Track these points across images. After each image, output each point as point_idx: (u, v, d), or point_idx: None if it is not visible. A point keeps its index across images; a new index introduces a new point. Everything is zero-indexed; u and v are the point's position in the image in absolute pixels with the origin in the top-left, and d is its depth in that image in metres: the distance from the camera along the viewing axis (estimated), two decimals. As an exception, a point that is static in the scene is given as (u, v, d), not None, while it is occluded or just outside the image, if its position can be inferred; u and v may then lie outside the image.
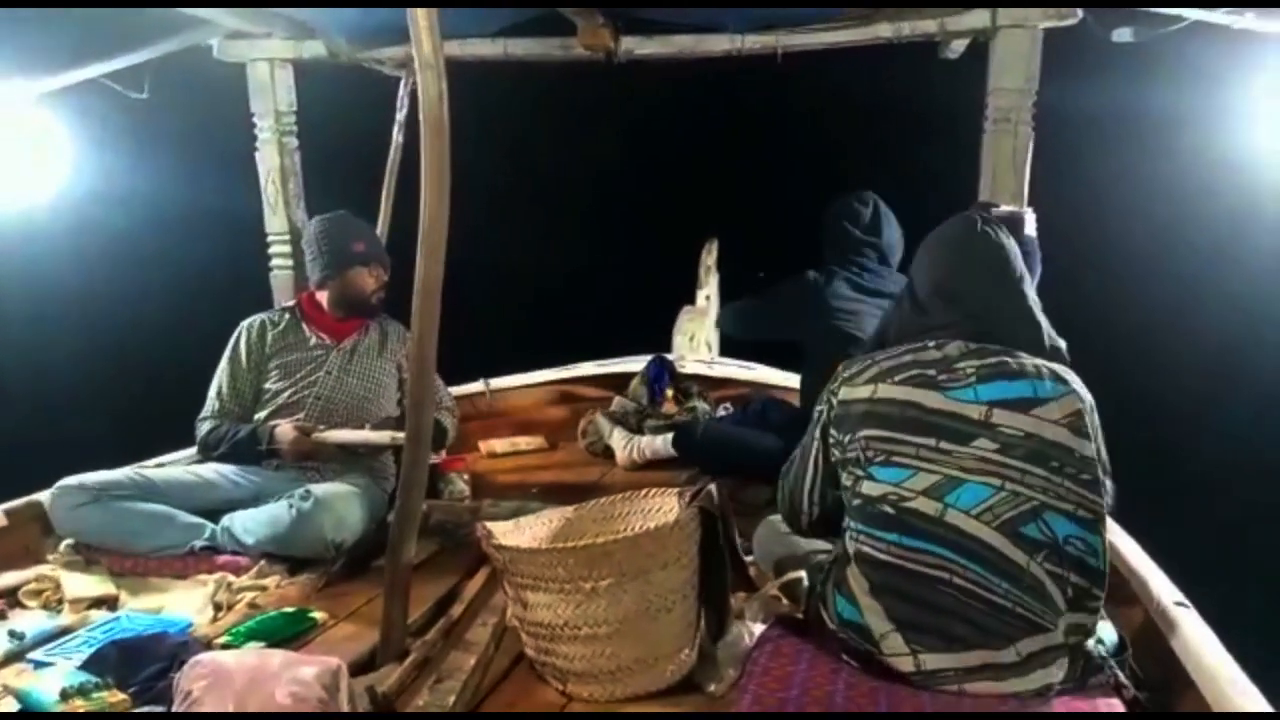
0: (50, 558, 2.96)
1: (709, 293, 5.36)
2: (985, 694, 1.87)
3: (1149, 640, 2.15)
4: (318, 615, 2.60)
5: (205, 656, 1.99)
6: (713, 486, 2.26)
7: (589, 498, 2.54)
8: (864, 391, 2.07)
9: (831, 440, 2.14)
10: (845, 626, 2.01)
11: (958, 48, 3.74)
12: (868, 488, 2.03)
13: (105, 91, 3.62)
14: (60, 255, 5.72)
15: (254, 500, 3.13)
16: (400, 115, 4.38)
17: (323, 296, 3.53)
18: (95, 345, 6.83)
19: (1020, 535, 1.89)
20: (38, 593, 2.74)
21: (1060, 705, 1.84)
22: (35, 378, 6.58)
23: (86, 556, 2.94)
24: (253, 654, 2.09)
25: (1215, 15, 3.01)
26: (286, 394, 3.36)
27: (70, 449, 3.82)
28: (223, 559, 2.96)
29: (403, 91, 4.33)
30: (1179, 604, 2.23)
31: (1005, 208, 3.28)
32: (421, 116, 1.99)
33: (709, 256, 5.40)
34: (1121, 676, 1.94)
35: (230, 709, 1.83)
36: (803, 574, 2.27)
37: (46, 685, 2.08)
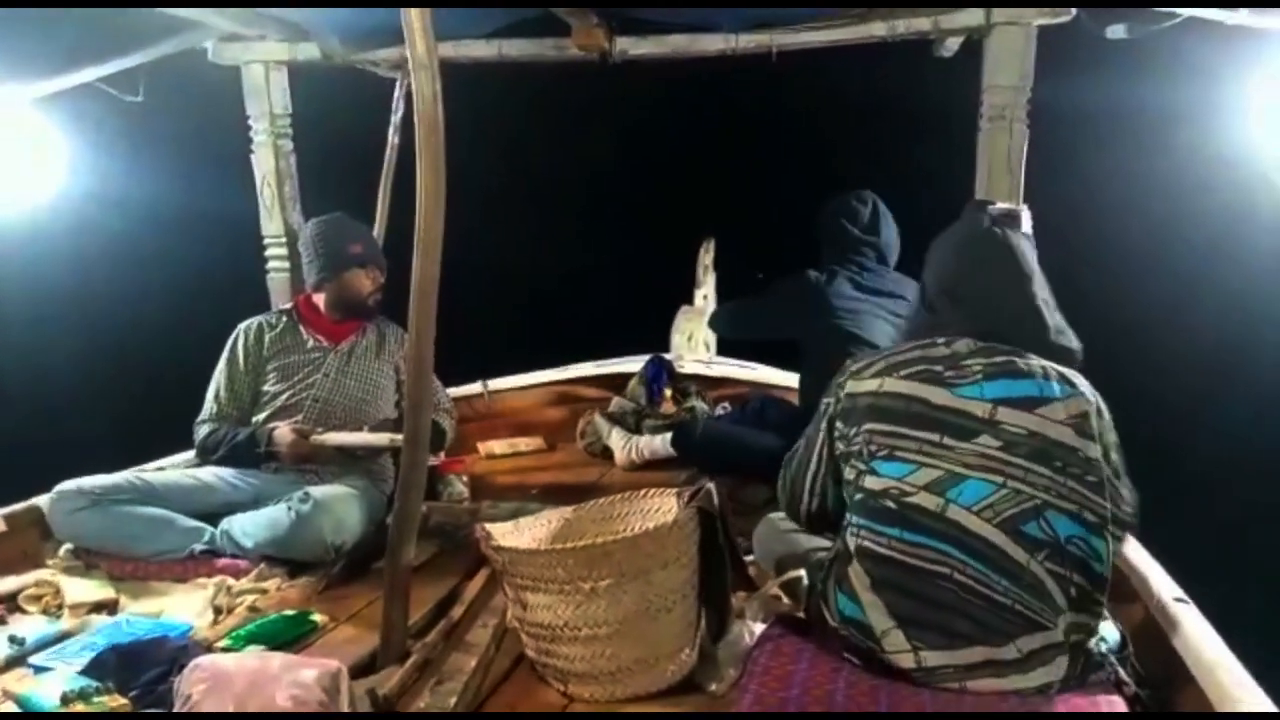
0: (50, 562, 2.96)
1: (706, 292, 5.36)
2: (986, 691, 1.87)
3: (1149, 637, 2.16)
4: (318, 618, 2.60)
5: (205, 660, 1.99)
6: (711, 486, 2.26)
7: (588, 498, 2.54)
8: (870, 385, 2.08)
9: (837, 433, 2.15)
10: (846, 624, 2.01)
11: (952, 46, 3.74)
12: (870, 482, 2.03)
13: (101, 95, 3.61)
14: (59, 257, 5.71)
15: (253, 503, 3.13)
16: (395, 117, 4.38)
17: (320, 299, 3.53)
18: (94, 347, 6.83)
19: (1021, 533, 1.89)
20: (38, 598, 2.74)
21: (1061, 703, 1.84)
22: (35, 379, 6.57)
23: (86, 561, 2.94)
24: (253, 657, 2.09)
25: (1209, 12, 3.01)
26: (284, 396, 3.37)
27: (70, 451, 3.82)
28: (222, 562, 2.96)
29: (398, 93, 4.34)
30: (1179, 600, 2.23)
31: (1001, 205, 3.27)
32: (416, 118, 1.99)
33: (706, 256, 5.40)
34: (1122, 674, 1.94)
35: (230, 711, 1.83)
36: (802, 573, 2.27)
37: (47, 690, 2.08)
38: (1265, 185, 3.27)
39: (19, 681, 2.26)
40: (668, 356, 4.89)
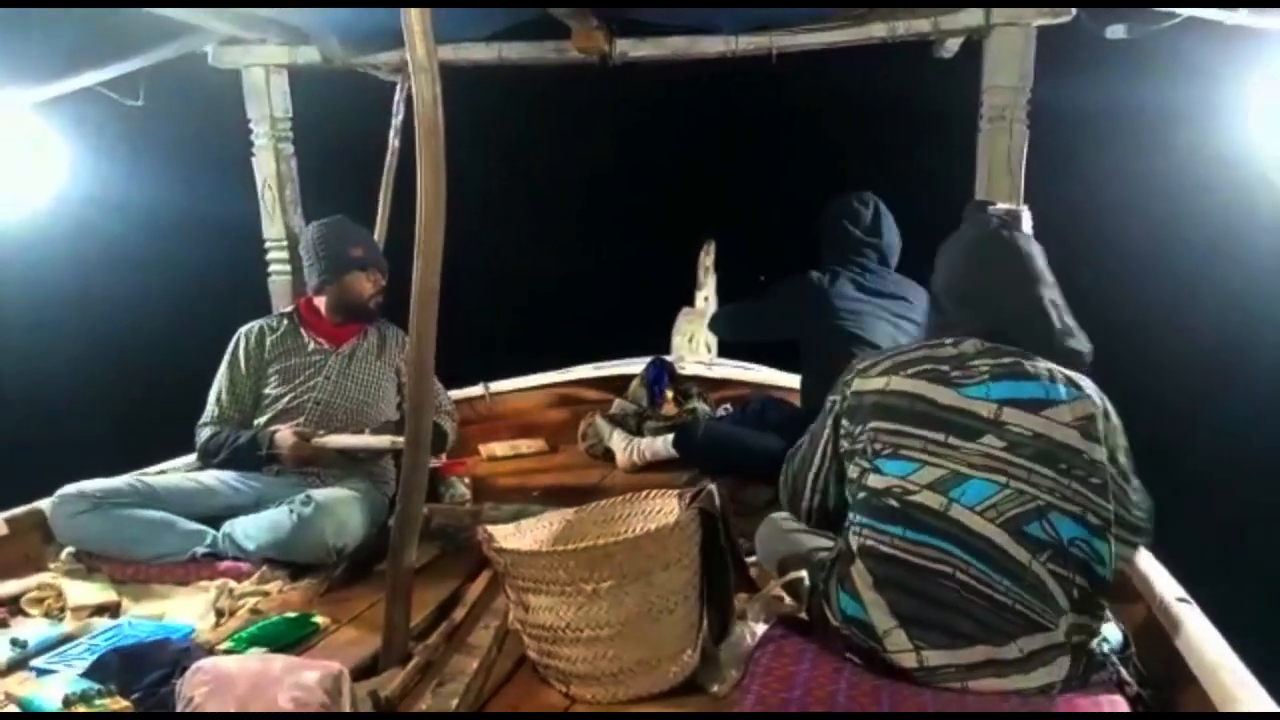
0: (52, 566, 2.96)
1: (707, 294, 5.36)
2: (988, 691, 1.87)
3: (1151, 637, 2.16)
4: (320, 620, 2.60)
5: (207, 662, 2.00)
6: (713, 487, 2.26)
7: (590, 500, 2.55)
8: (877, 383, 2.09)
9: (842, 431, 2.16)
10: (848, 623, 2.01)
11: (952, 46, 3.74)
12: (874, 481, 2.04)
13: (101, 99, 3.62)
14: (59, 261, 5.72)
15: (255, 506, 3.13)
16: (396, 120, 4.38)
17: (321, 302, 3.53)
18: (95, 350, 6.83)
19: (1023, 534, 1.89)
20: (40, 601, 2.74)
21: (1063, 703, 1.84)
22: (35, 383, 6.58)
23: (88, 564, 2.94)
24: (255, 659, 2.10)
25: (1209, 12, 3.01)
26: (286, 399, 3.37)
27: (71, 454, 3.82)
28: (224, 565, 2.96)
29: (398, 96, 4.34)
30: (1181, 600, 2.23)
31: (1001, 206, 3.28)
32: (417, 121, 1.99)
33: (706, 257, 5.40)
34: (1124, 674, 1.94)
35: (233, 713, 1.83)
36: (804, 574, 2.27)
37: (49, 693, 2.08)
38: (1265, 185, 3.28)
39: (21, 684, 2.26)
40: (669, 358, 4.89)
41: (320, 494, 3.03)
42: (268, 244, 4.09)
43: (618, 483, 3.99)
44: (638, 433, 4.27)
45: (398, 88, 4.30)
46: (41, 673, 2.31)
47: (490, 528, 2.31)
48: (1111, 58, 3.51)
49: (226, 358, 3.46)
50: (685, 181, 7.94)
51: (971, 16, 3.41)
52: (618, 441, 4.23)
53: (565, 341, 5.46)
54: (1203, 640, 2.02)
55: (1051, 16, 3.31)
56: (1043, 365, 2.00)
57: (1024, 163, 3.40)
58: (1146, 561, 2.45)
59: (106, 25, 3.41)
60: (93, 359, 6.80)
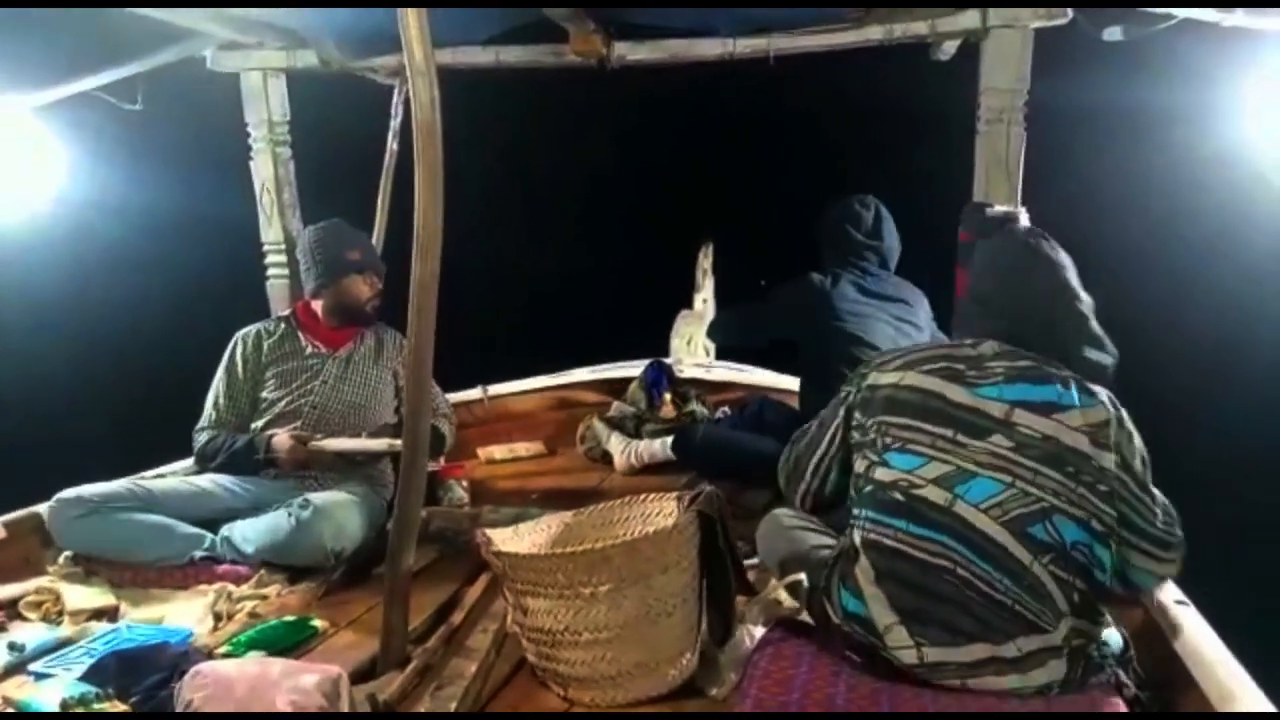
0: (50, 569, 2.95)
1: (705, 296, 5.37)
2: (987, 690, 1.88)
3: (1150, 639, 2.16)
4: (318, 624, 2.61)
5: (206, 666, 2.00)
6: (712, 489, 2.27)
7: (588, 503, 2.55)
8: (891, 378, 2.11)
9: (854, 422, 2.18)
10: (849, 620, 2.02)
11: (949, 49, 3.74)
12: (881, 474, 2.05)
13: (100, 103, 3.62)
14: (59, 264, 5.71)
15: (253, 510, 3.13)
16: (394, 123, 4.38)
17: (318, 305, 3.54)
18: (94, 353, 6.82)
19: (1027, 534, 1.90)
20: (38, 604, 2.74)
21: (1061, 705, 1.85)
22: (34, 386, 6.57)
23: (86, 568, 2.94)
24: (254, 663, 2.10)
25: (1205, 13, 3.02)
26: (283, 403, 3.37)
27: (69, 457, 3.82)
28: (222, 569, 2.96)
29: (396, 99, 4.34)
30: (1179, 602, 2.24)
31: (999, 208, 3.29)
32: (415, 124, 1.99)
33: (705, 260, 5.41)
34: (1123, 676, 1.94)
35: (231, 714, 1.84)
36: (802, 576, 2.27)
37: (47, 696, 2.09)
38: (1261, 184, 3.28)
39: (19, 688, 2.26)
40: (667, 361, 4.89)
41: (318, 497, 3.03)
42: (266, 247, 4.09)
43: (616, 485, 3.99)
44: (636, 435, 4.27)
45: (396, 90, 4.31)
46: (40, 676, 2.31)
47: (488, 531, 2.31)
48: (1108, 59, 3.51)
49: (224, 362, 3.46)
50: (683, 184, 7.94)
51: (968, 19, 3.41)
52: (616, 444, 4.23)
53: (563, 344, 5.46)
54: (1201, 642, 2.02)
55: (1048, 19, 3.32)
56: (1060, 372, 2.01)
57: (1021, 164, 3.41)
58: None
59: (105, 30, 3.40)
60: (92, 361, 6.80)
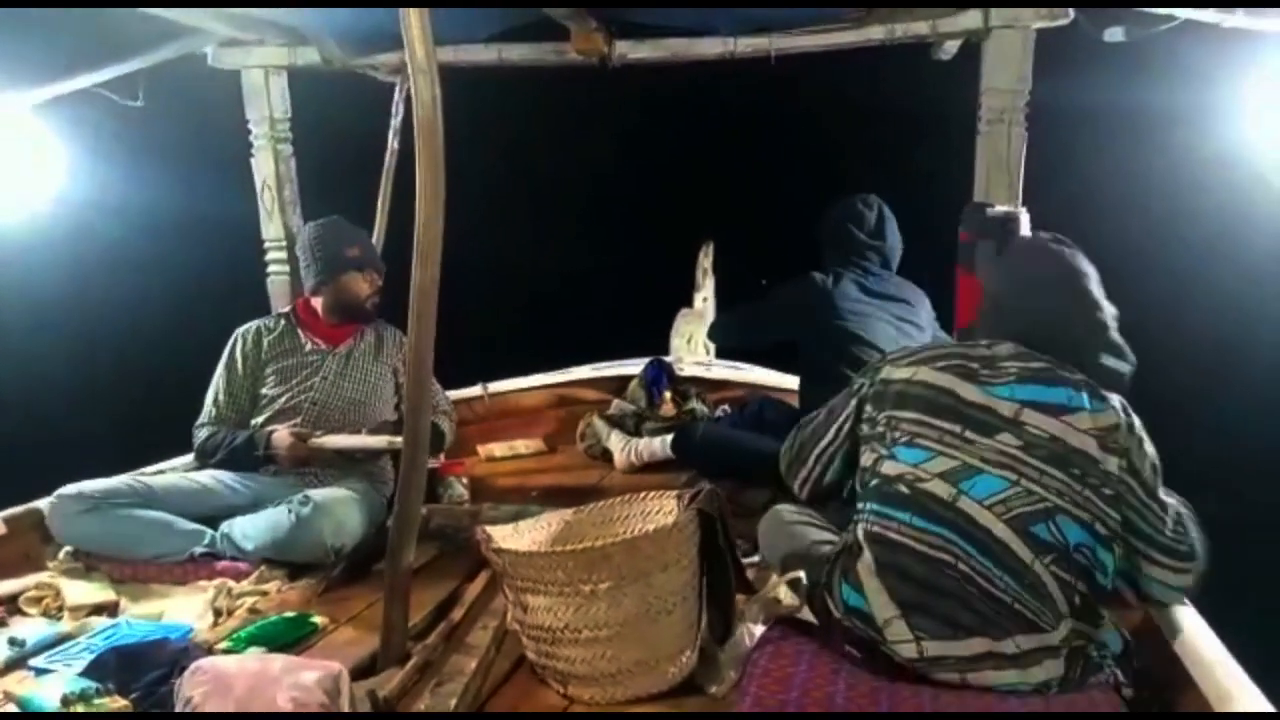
0: (50, 565, 2.95)
1: (706, 295, 5.37)
2: (986, 685, 1.88)
3: (1149, 639, 2.16)
4: (318, 620, 2.61)
5: (206, 662, 2.00)
6: (712, 488, 2.27)
7: (588, 501, 2.55)
8: (904, 373, 2.13)
9: (864, 415, 2.19)
10: (850, 614, 2.02)
11: (950, 49, 3.74)
12: (887, 467, 2.07)
13: (100, 100, 3.62)
14: (59, 262, 5.71)
15: (253, 506, 3.13)
16: (395, 120, 4.38)
17: (318, 302, 3.54)
18: (93, 352, 6.83)
19: (1029, 533, 1.91)
20: (38, 600, 2.74)
21: (1060, 704, 1.85)
22: (34, 385, 6.57)
23: (86, 563, 2.94)
24: (254, 659, 2.10)
25: (1206, 14, 3.02)
26: (283, 399, 3.37)
27: (69, 454, 3.82)
28: (222, 565, 2.96)
29: (398, 97, 4.34)
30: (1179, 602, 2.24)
31: (1000, 208, 3.29)
32: (416, 122, 1.99)
33: (705, 259, 5.41)
34: (1121, 676, 1.95)
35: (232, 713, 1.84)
36: (801, 574, 2.27)
37: (48, 692, 2.09)
38: (1261, 185, 3.29)
39: (20, 683, 2.26)
40: (667, 359, 4.89)
41: (318, 494, 3.03)
42: (266, 244, 4.09)
43: (616, 483, 3.99)
44: (636, 433, 4.27)
45: (397, 88, 4.31)
46: (40, 672, 2.32)
47: (488, 528, 2.32)
48: (1109, 59, 3.52)
49: (223, 359, 3.46)
50: (684, 183, 7.95)
51: (970, 19, 3.41)
52: (616, 442, 4.23)
53: (564, 342, 5.46)
54: (1199, 642, 2.02)
55: (1049, 19, 3.31)
56: (1073, 376, 2.02)
57: (1022, 164, 3.41)
58: None
59: (106, 26, 3.40)
60: (91, 361, 6.81)
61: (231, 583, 2.85)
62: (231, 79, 3.94)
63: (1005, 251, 2.35)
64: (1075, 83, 3.95)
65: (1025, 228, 3.24)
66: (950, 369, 2.08)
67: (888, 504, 2.04)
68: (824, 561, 2.16)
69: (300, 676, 1.91)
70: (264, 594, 2.81)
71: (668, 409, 4.47)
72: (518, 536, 2.41)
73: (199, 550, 2.99)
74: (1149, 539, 2.00)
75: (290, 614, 2.64)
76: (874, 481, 2.10)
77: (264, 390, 3.42)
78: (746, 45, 3.69)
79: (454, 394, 4.33)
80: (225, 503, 3.16)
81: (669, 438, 4.02)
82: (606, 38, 3.68)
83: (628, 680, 2.14)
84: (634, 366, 4.80)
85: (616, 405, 4.54)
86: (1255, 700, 1.78)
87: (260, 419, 3.37)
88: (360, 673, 2.18)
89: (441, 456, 3.61)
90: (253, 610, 2.70)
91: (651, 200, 8.12)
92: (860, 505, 2.12)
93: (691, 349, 5.24)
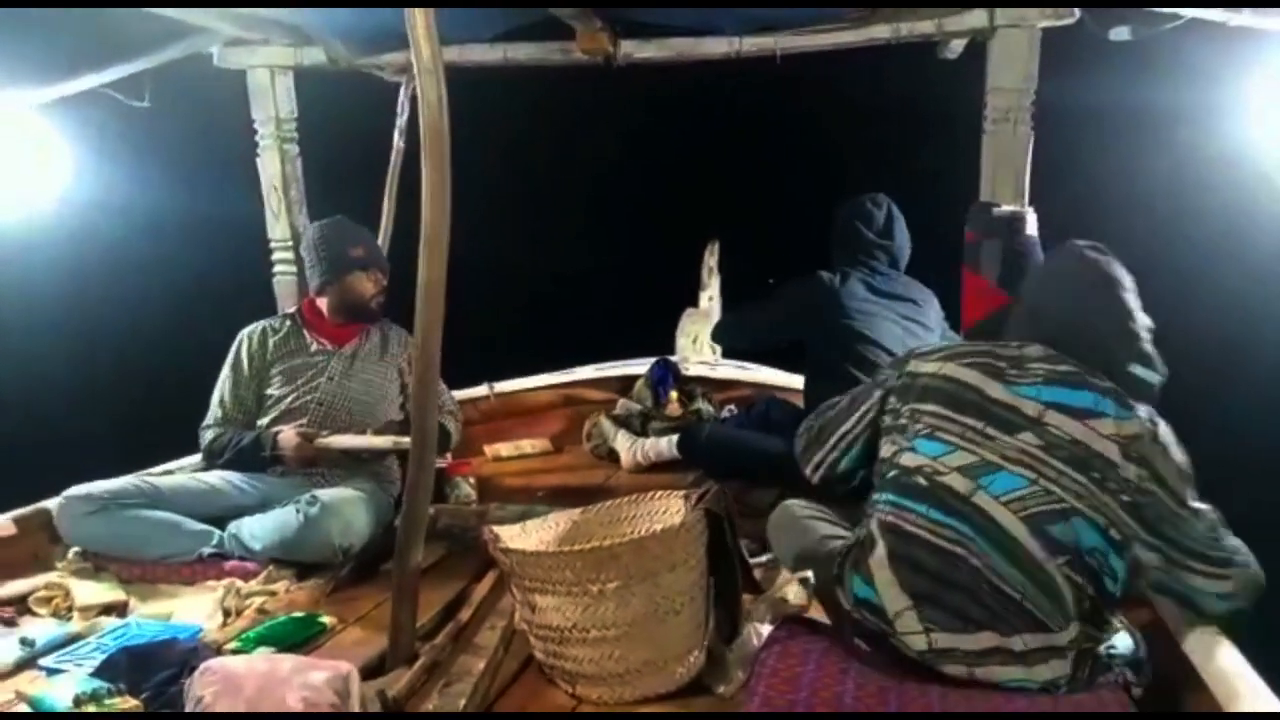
0: (59, 565, 2.96)
1: (711, 294, 5.37)
2: (992, 681, 1.89)
3: (1158, 639, 2.16)
4: (326, 620, 2.62)
5: (215, 662, 2.01)
6: (719, 487, 2.27)
7: (595, 500, 2.55)
8: (932, 367, 2.15)
9: (888, 406, 2.20)
10: (860, 606, 2.03)
11: (956, 48, 3.74)
12: (907, 459, 2.08)
13: (104, 100, 3.62)
14: (61, 262, 5.72)
15: (260, 506, 3.14)
16: (401, 120, 4.38)
17: (323, 302, 3.54)
18: (94, 352, 6.83)
19: (1045, 533, 1.91)
20: (47, 600, 2.75)
21: (1068, 704, 1.85)
22: (34, 385, 6.58)
23: (95, 563, 2.94)
24: (263, 659, 2.10)
25: (1212, 13, 3.02)
26: (289, 400, 3.38)
27: (74, 454, 3.83)
28: (230, 565, 2.97)
29: (403, 96, 4.34)
30: None
31: (1007, 208, 3.29)
32: (422, 123, 1.99)
33: (711, 258, 5.41)
34: (1131, 676, 1.95)
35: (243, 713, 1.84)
36: (809, 574, 2.27)
37: (59, 692, 2.09)
38: (1266, 185, 3.29)
39: (31, 683, 2.27)
40: (673, 359, 4.89)
41: (326, 494, 3.03)
42: (273, 244, 4.09)
43: (623, 483, 3.99)
44: (642, 433, 4.27)
45: (402, 88, 4.31)
46: (51, 672, 2.33)
47: (496, 528, 2.32)
48: (1114, 57, 3.51)
49: (229, 360, 3.47)
50: (689, 182, 7.94)
51: (975, 18, 3.41)
52: (622, 442, 4.23)
53: (569, 341, 5.47)
54: (1209, 642, 2.02)
55: (1055, 18, 3.31)
56: (1101, 383, 2.02)
57: (1029, 164, 3.40)
58: None
59: (112, 27, 3.41)
60: (92, 362, 6.81)
61: (240, 583, 2.86)
62: (237, 79, 3.94)
63: (1045, 257, 2.36)
64: (1081, 82, 3.94)
65: (1031, 227, 3.25)
66: (977, 366, 2.09)
67: (905, 495, 2.05)
68: (835, 555, 2.16)
69: (310, 676, 1.92)
70: (272, 594, 2.81)
71: (673, 409, 4.47)
72: (525, 536, 2.41)
73: (207, 551, 3.00)
74: (1186, 549, 1.97)
75: (298, 614, 2.65)
76: (892, 473, 2.11)
77: (270, 391, 3.42)
78: (751, 45, 3.69)
79: (460, 394, 4.32)
80: (233, 503, 3.16)
81: (675, 438, 4.02)
82: (611, 37, 3.69)
83: (636, 680, 2.14)
84: (640, 366, 4.79)
85: (622, 405, 4.54)
86: (1266, 700, 1.77)
87: (266, 419, 3.37)
88: (369, 673, 2.18)
89: (449, 456, 3.61)
90: (261, 610, 2.70)
91: (656, 200, 8.11)
92: (876, 496, 2.13)
93: (697, 349, 5.24)
